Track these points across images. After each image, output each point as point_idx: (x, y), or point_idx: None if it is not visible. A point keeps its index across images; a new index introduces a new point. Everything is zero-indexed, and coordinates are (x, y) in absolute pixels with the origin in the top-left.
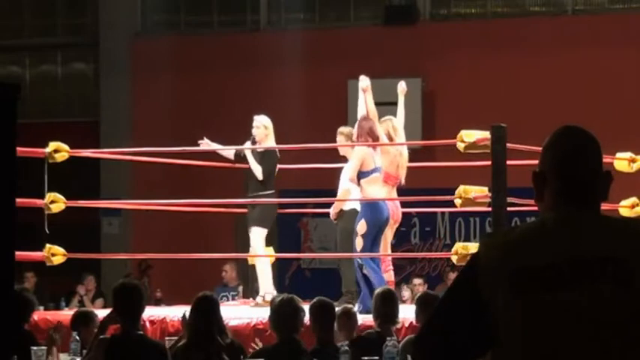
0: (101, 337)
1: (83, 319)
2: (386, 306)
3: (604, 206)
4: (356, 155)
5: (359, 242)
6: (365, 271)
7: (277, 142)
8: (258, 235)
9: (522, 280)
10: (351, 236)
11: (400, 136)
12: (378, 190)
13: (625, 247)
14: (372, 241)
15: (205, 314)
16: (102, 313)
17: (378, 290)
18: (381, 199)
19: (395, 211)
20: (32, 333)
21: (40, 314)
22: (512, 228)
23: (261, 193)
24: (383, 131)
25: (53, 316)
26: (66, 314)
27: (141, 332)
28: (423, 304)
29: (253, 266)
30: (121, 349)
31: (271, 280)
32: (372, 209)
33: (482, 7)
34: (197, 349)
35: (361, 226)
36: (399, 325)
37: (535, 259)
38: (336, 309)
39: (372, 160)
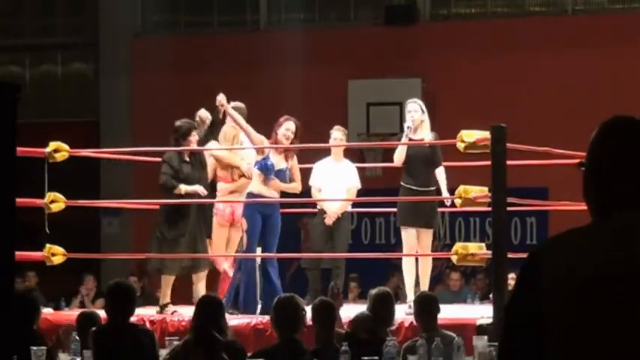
0: (93, 329)
1: (89, 321)
2: (383, 308)
3: None
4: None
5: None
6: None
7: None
8: None
9: (594, 292)
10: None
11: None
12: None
13: None
14: None
15: (209, 315)
16: (102, 313)
17: (374, 292)
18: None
19: None
20: (41, 334)
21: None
22: (570, 233)
23: None
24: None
25: (53, 316)
26: (66, 315)
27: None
28: (421, 304)
29: None
30: (112, 336)
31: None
32: None
33: (482, 7)
34: (198, 347)
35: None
36: (394, 327)
37: (604, 269)
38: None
39: None
